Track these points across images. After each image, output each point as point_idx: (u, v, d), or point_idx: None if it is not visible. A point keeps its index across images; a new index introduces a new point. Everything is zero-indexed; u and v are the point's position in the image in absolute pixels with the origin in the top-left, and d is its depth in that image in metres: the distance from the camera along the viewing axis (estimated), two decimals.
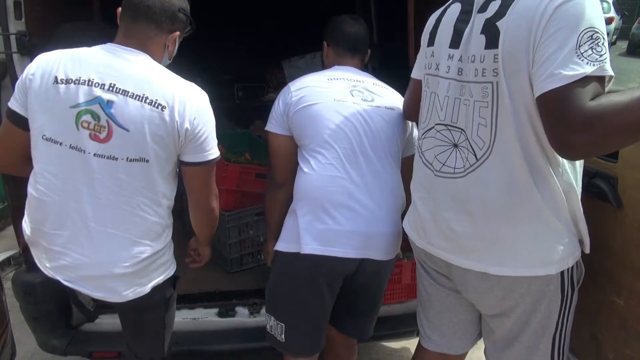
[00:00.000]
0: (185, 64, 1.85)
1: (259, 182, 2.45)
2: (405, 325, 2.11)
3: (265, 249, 1.86)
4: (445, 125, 1.27)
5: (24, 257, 1.87)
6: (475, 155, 1.20)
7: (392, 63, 3.44)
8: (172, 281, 1.55)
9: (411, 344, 2.58)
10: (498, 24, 1.14)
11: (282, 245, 1.66)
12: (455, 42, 1.26)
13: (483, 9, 1.20)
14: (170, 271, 1.51)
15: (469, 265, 1.27)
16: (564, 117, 1.01)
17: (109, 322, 1.99)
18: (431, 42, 1.35)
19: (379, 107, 1.69)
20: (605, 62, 1.02)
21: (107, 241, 1.36)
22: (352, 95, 1.68)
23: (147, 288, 1.44)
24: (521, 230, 1.19)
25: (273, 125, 1.70)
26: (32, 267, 1.85)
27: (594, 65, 1.00)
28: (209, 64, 3.53)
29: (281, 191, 1.71)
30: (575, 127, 1.00)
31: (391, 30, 3.74)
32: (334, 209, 1.57)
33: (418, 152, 1.41)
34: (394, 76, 3.33)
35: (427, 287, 1.49)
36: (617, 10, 13.21)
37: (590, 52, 1.01)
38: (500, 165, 1.17)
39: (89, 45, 1.43)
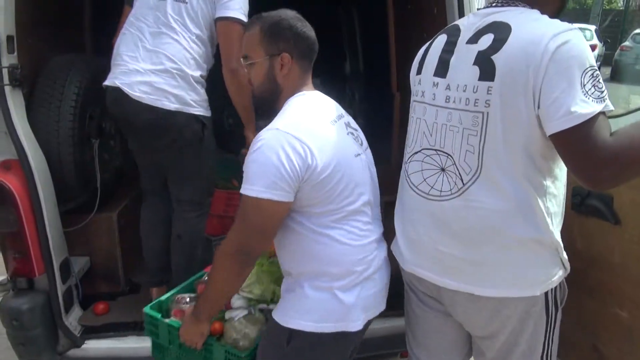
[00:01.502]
0: None
1: None
2: (388, 346, 2.12)
3: (196, 330, 1.47)
4: (433, 150, 1.32)
5: (12, 284, 1.90)
6: (462, 180, 1.25)
7: (376, 90, 3.55)
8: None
9: None
10: (493, 57, 1.18)
11: (320, 326, 1.35)
12: (440, 71, 1.32)
13: (473, 41, 1.25)
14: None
15: (456, 286, 1.29)
16: (589, 154, 1.10)
17: (95, 347, 2.00)
18: (419, 71, 1.41)
19: (367, 148, 1.53)
20: (607, 98, 1.11)
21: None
22: (355, 142, 1.44)
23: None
24: (505, 253, 1.24)
25: (279, 192, 1.25)
26: (19, 293, 1.88)
27: (600, 102, 1.10)
28: None
29: (252, 266, 1.39)
30: (601, 163, 1.09)
31: (375, 58, 3.86)
32: (374, 273, 1.43)
33: (404, 175, 1.43)
34: (378, 103, 3.45)
35: (415, 309, 1.50)
36: (599, 38, 13.56)
37: (593, 89, 1.10)
38: (485, 191, 1.22)
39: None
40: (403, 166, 1.45)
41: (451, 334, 1.46)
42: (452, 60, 1.29)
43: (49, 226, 1.86)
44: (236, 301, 1.66)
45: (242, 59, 1.43)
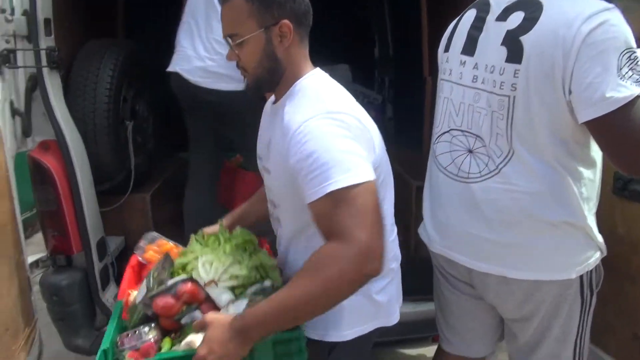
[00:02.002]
0: None
1: None
2: (420, 331, 2.11)
3: (238, 350, 1.03)
4: (460, 130, 1.29)
5: (51, 260, 1.96)
6: (494, 162, 1.22)
7: (406, 75, 3.49)
8: None
9: (427, 351, 2.59)
10: (522, 39, 1.15)
11: (356, 330, 1.24)
12: (468, 49, 1.28)
13: (502, 18, 1.21)
14: None
15: (488, 269, 1.28)
16: (627, 141, 1.07)
17: None
18: (447, 49, 1.38)
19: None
20: None
21: None
22: None
23: None
24: (539, 236, 1.21)
25: (370, 169, 1.06)
26: (59, 270, 1.95)
27: (639, 85, 1.06)
28: None
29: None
30: None
31: (405, 42, 3.79)
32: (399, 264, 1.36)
33: (432, 156, 1.41)
34: (409, 87, 3.39)
35: (446, 292, 1.49)
36: None
37: (631, 73, 1.06)
38: (518, 174, 1.20)
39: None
40: (431, 147, 1.42)
41: (483, 317, 1.45)
42: (481, 37, 1.25)
43: (86, 205, 1.91)
44: (221, 295, 1.19)
45: (228, 39, 1.17)
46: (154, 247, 1.50)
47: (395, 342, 2.27)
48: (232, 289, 1.20)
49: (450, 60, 1.34)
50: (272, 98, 1.29)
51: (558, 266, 1.22)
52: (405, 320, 2.10)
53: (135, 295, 1.28)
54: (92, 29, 2.37)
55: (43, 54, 1.77)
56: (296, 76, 1.19)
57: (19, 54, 1.73)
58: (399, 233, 1.35)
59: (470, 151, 1.27)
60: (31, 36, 1.74)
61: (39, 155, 1.83)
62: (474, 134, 1.26)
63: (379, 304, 1.26)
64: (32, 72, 1.79)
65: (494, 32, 1.22)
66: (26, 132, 1.79)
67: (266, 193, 1.33)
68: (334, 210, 0.99)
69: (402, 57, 3.81)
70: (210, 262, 1.22)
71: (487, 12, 1.26)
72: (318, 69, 1.24)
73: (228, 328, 1.02)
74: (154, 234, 1.55)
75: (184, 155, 2.71)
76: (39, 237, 2.20)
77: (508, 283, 1.26)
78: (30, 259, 1.87)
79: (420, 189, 2.58)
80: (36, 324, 1.81)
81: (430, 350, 2.60)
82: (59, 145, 1.83)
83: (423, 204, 1.46)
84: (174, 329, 1.19)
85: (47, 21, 1.79)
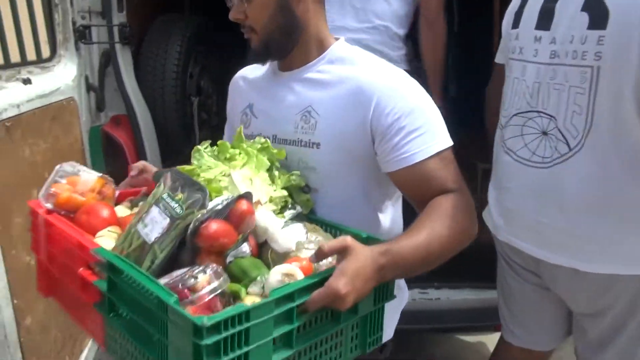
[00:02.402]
0: None
1: None
2: (482, 319, 2.05)
3: (371, 285, 0.84)
4: (536, 112, 1.20)
5: None
6: (568, 145, 1.14)
7: (473, 50, 3.34)
8: None
9: (487, 339, 2.52)
10: (606, 1, 1.05)
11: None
12: (543, 24, 1.18)
13: None
14: None
15: (557, 260, 1.20)
16: None
17: None
18: (516, 24, 1.28)
19: None
20: None
21: None
22: None
23: None
24: (617, 226, 1.13)
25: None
26: None
27: None
28: None
29: None
30: None
31: (472, 15, 3.61)
32: None
33: (499, 141, 1.34)
34: (476, 64, 3.24)
35: (510, 282, 1.42)
36: None
37: None
38: (594, 157, 1.11)
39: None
40: (498, 131, 1.34)
41: (550, 309, 1.37)
42: (557, 7, 1.14)
43: None
44: (272, 220, 0.92)
45: None
46: (67, 187, 1.00)
47: (455, 328, 2.22)
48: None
49: (521, 37, 1.24)
50: (269, 66, 1.15)
51: (637, 259, 1.13)
52: (466, 307, 2.08)
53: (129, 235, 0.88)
54: (159, 5, 2.40)
55: (116, 30, 1.81)
56: (322, 41, 1.08)
57: (94, 30, 1.77)
58: None
59: (544, 133, 1.18)
60: (105, 12, 1.78)
61: (111, 130, 1.89)
62: (549, 115, 1.17)
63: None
64: (105, 48, 1.83)
65: (573, 0, 1.11)
66: (100, 106, 1.84)
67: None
68: (446, 167, 1.00)
69: (467, 34, 3.65)
70: (249, 177, 0.98)
71: None
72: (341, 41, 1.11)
73: (373, 262, 0.81)
74: (66, 167, 1.05)
75: None
76: None
77: (580, 276, 1.18)
78: None
79: (486, 172, 2.50)
80: None
81: (490, 338, 2.54)
82: (130, 120, 1.88)
83: (489, 190, 1.39)
84: None
85: None
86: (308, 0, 1.03)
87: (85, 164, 1.71)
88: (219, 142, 1.05)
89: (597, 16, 1.06)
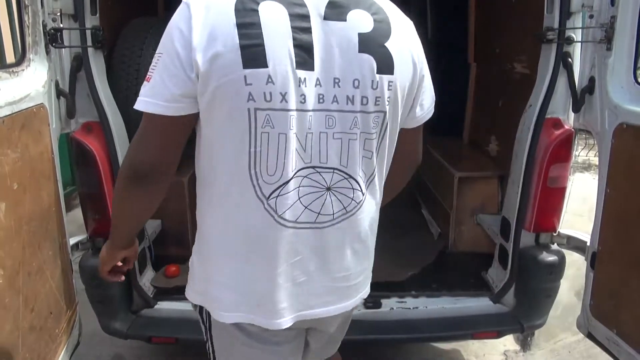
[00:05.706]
0: None
1: None
2: (458, 327, 2.07)
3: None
4: (313, 168, 1.01)
5: (90, 243, 1.95)
6: (361, 191, 1.06)
7: (448, 59, 3.37)
8: None
9: (461, 346, 2.56)
10: (387, 45, 0.99)
11: None
12: (303, 62, 0.95)
13: (335, 17, 0.96)
14: None
15: (353, 304, 1.18)
16: None
17: (168, 309, 2.05)
18: (248, 64, 0.91)
19: None
20: None
21: None
22: None
23: None
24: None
25: None
26: (98, 252, 1.93)
27: None
28: None
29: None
30: None
31: (446, 25, 3.65)
32: None
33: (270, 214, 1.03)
34: (451, 74, 3.28)
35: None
36: None
37: None
38: (372, 197, 1.11)
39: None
40: (265, 206, 1.02)
41: None
42: (316, 43, 1.03)
43: None
44: None
45: None
46: None
47: (433, 338, 2.23)
48: None
49: (279, 79, 0.93)
50: None
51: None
52: (445, 316, 2.09)
53: None
54: (133, 8, 2.32)
55: (88, 33, 1.73)
56: None
57: (65, 33, 1.69)
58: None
59: (328, 189, 1.03)
60: (77, 14, 1.70)
61: (82, 137, 1.80)
62: (330, 168, 1.02)
63: None
64: (77, 52, 1.74)
65: (336, 36, 0.96)
66: (70, 113, 1.75)
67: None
68: None
69: (442, 41, 3.69)
70: None
71: (302, 5, 0.95)
72: None
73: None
74: None
75: None
76: (74, 215, 2.21)
77: None
78: (72, 241, 1.85)
79: (462, 180, 2.53)
80: (77, 307, 1.80)
81: (465, 346, 2.58)
82: (102, 127, 1.80)
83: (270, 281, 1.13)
84: None
85: (92, 0, 1.74)
86: None
87: (54, 173, 1.63)
88: None
89: (383, 61, 1.00)
